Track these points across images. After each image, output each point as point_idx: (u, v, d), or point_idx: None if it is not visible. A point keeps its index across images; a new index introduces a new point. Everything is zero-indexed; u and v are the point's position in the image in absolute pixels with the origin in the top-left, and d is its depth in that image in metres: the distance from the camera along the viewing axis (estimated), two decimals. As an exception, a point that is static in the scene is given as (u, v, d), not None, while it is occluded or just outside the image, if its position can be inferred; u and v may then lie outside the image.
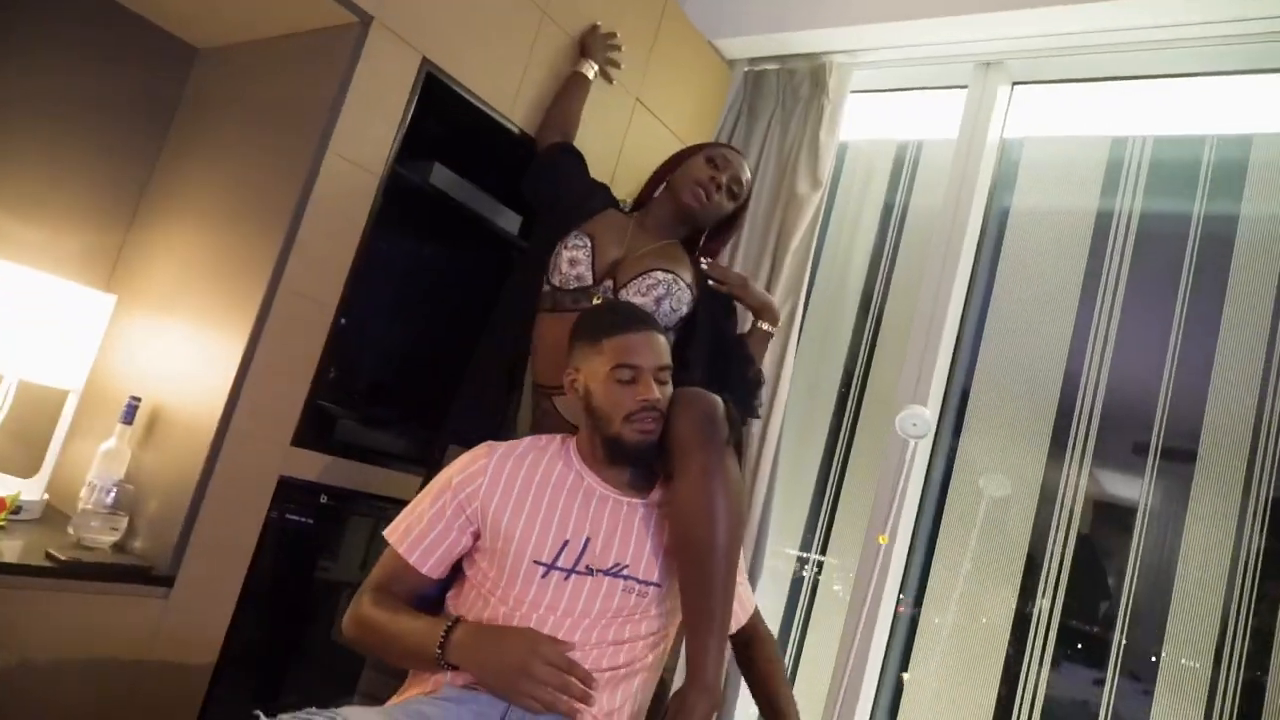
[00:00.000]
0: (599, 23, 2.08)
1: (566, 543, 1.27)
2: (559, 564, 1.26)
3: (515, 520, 1.27)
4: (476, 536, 1.31)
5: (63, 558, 1.38)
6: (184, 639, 1.52)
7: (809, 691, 2.39)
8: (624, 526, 1.30)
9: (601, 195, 1.82)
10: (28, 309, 1.58)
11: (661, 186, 1.79)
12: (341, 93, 1.58)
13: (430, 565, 1.29)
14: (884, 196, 2.69)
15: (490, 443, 1.37)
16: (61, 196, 1.84)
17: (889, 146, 2.73)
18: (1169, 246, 2.20)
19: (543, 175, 1.84)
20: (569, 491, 1.32)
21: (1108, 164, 2.35)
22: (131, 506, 1.58)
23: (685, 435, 1.30)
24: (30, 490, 1.62)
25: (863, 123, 2.72)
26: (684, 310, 1.67)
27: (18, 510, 1.53)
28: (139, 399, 1.62)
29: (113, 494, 1.55)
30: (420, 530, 1.29)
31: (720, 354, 1.71)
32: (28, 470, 1.76)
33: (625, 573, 1.27)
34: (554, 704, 1.11)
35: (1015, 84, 2.45)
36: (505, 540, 1.27)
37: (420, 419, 1.95)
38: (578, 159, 1.89)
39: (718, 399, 1.34)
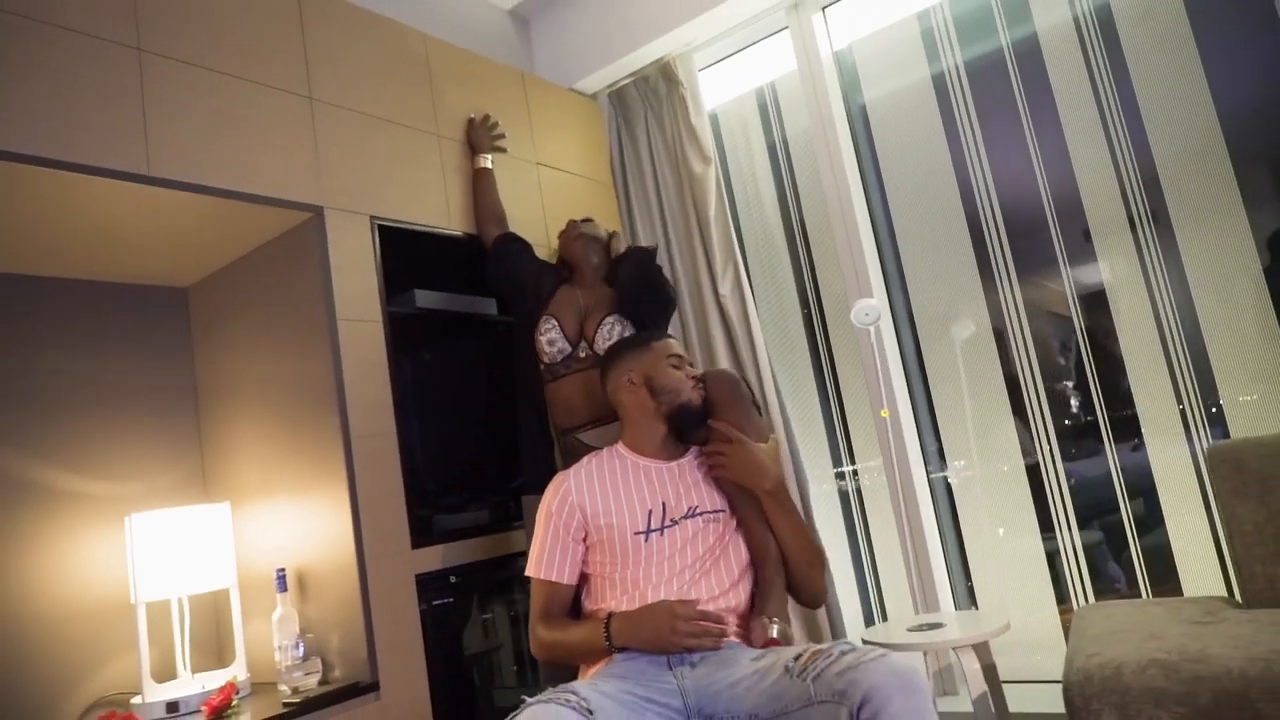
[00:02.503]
0: (471, 115, 2.45)
1: (651, 511, 1.66)
2: (653, 527, 1.65)
3: (608, 511, 1.66)
4: (585, 539, 1.68)
5: (298, 700, 1.75)
6: (407, 719, 1.89)
7: (892, 584, 2.78)
8: (681, 483, 1.71)
9: (550, 275, 2.27)
10: (169, 540, 1.94)
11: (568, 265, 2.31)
12: (327, 271, 1.96)
13: (567, 575, 1.67)
14: (764, 139, 3.09)
15: (561, 473, 1.76)
16: (139, 453, 2.20)
17: (749, 98, 3.13)
18: (998, 80, 2.60)
19: (497, 271, 2.28)
20: (633, 476, 1.71)
21: (922, 34, 2.76)
22: (319, 649, 1.95)
23: (720, 399, 1.78)
24: (228, 678, 1.98)
25: (719, 89, 3.11)
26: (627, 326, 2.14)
27: (239, 692, 1.89)
28: (284, 569, 1.99)
29: (301, 647, 1.91)
30: (548, 554, 1.67)
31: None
32: (224, 662, 2.14)
33: (698, 511, 1.67)
34: (700, 646, 1.49)
35: (824, 8, 2.84)
36: (608, 529, 1.65)
37: (486, 487, 2.33)
38: (521, 246, 2.31)
39: (735, 374, 1.89)
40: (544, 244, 2.53)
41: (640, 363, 1.77)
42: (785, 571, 1.71)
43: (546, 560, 1.67)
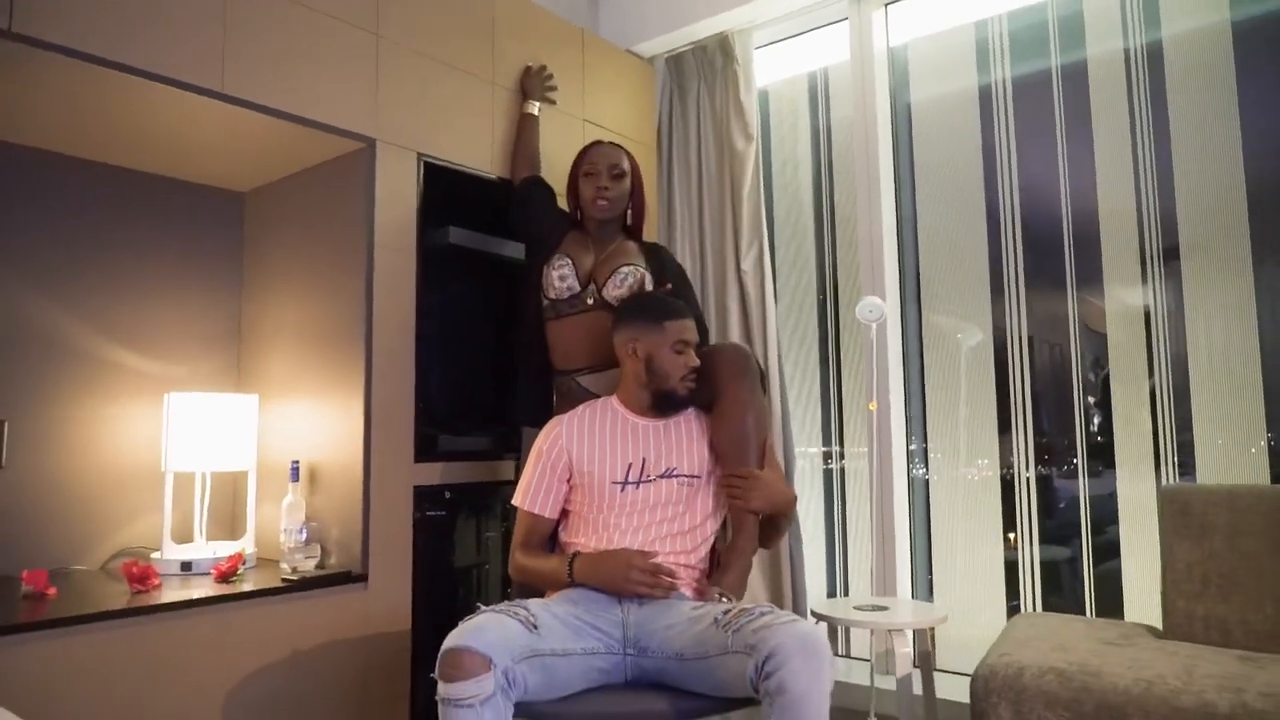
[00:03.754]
0: (529, 64, 2.58)
1: (630, 464, 1.83)
2: (629, 479, 1.81)
3: (592, 459, 1.83)
4: (569, 480, 1.86)
5: (295, 578, 1.98)
6: (384, 615, 2.11)
7: (858, 565, 2.94)
8: (665, 443, 1.86)
9: (563, 220, 2.31)
10: (201, 421, 2.16)
11: (579, 210, 2.26)
12: (370, 201, 2.13)
13: (549, 510, 1.85)
14: (809, 122, 3.17)
15: (557, 416, 1.93)
16: (184, 336, 2.42)
17: (801, 80, 3.20)
18: (1041, 99, 2.66)
19: (520, 211, 2.37)
20: (621, 430, 1.87)
21: (976, 45, 2.81)
22: (319, 537, 2.17)
23: (727, 371, 1.88)
24: (238, 549, 2.21)
25: (774, 67, 3.18)
26: (648, 286, 2.18)
27: (245, 562, 2.12)
28: (298, 461, 2.20)
29: (304, 533, 2.13)
30: (534, 489, 1.85)
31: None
32: (235, 534, 2.38)
33: (675, 472, 1.83)
34: (649, 595, 1.67)
35: (887, 4, 2.90)
36: (589, 475, 1.82)
37: (489, 416, 2.51)
38: (543, 191, 2.41)
39: (748, 348, 1.97)
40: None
41: (647, 337, 1.85)
42: (764, 539, 1.90)
43: (532, 494, 1.85)
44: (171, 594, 1.85)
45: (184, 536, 2.22)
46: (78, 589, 1.92)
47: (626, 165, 2.22)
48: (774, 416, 2.79)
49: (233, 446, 2.20)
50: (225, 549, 2.20)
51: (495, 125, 2.47)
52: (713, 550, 1.88)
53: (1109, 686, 1.58)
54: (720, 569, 1.84)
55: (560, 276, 2.16)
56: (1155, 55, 2.46)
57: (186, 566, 2.08)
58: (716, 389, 1.89)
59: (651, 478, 1.82)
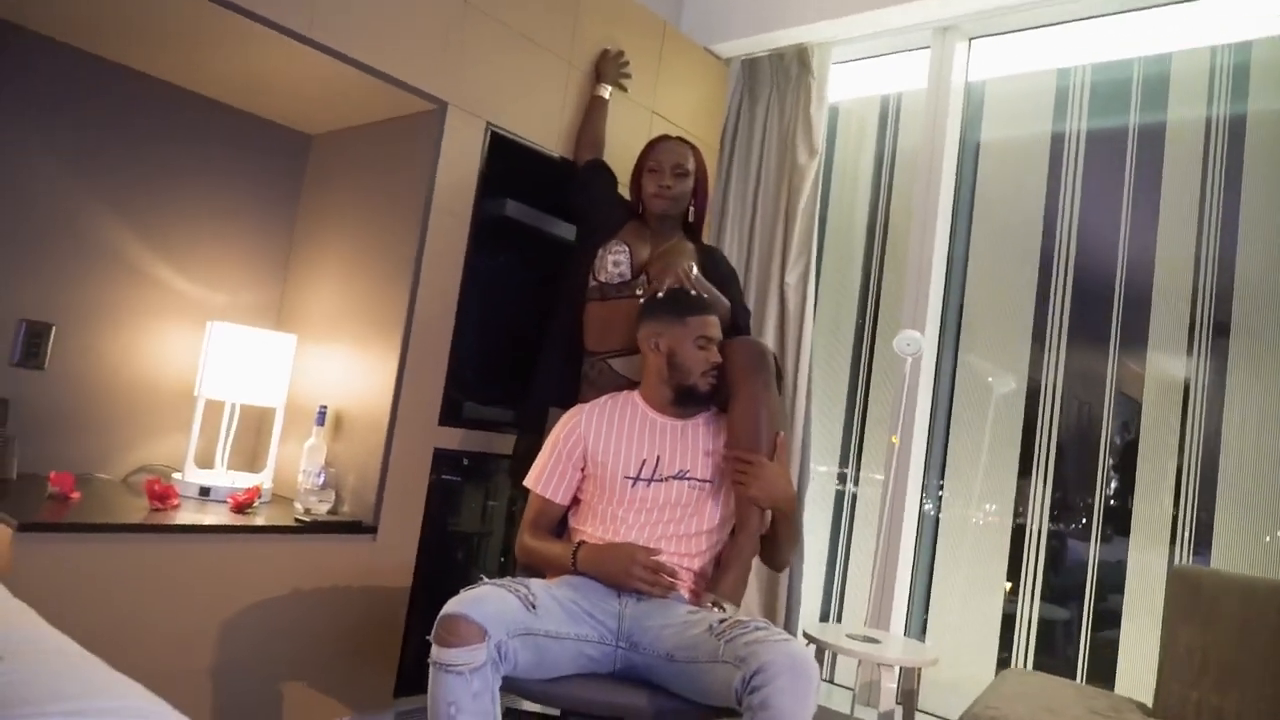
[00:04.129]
0: (608, 47, 2.58)
1: (644, 461, 1.84)
2: (642, 476, 1.83)
3: (607, 452, 1.85)
4: (583, 469, 1.88)
5: (307, 520, 2.02)
6: (388, 569, 2.15)
7: (854, 593, 2.93)
8: (681, 444, 1.86)
9: (623, 210, 2.30)
10: (237, 352, 2.21)
11: (640, 203, 2.25)
12: (434, 163, 2.15)
13: (560, 496, 1.87)
14: (874, 145, 3.15)
15: (579, 405, 1.94)
16: (231, 266, 2.46)
17: (873, 101, 3.18)
18: (1113, 156, 2.63)
19: (581, 191, 2.38)
20: (640, 426, 1.88)
21: (1056, 92, 2.78)
22: (336, 483, 2.21)
23: (742, 367, 1.87)
24: (256, 482, 2.26)
25: (847, 84, 3.16)
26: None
27: (261, 496, 2.16)
28: (326, 406, 2.24)
29: (323, 476, 2.17)
30: (548, 474, 1.87)
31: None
32: (254, 468, 2.43)
33: (687, 475, 1.83)
34: (649, 591, 1.68)
35: (971, 39, 2.87)
36: (602, 467, 1.84)
37: (515, 390, 2.54)
38: (608, 176, 2.42)
39: (765, 344, 1.93)
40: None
41: (670, 332, 1.86)
42: (765, 551, 1.88)
43: (545, 479, 1.87)
44: (188, 516, 1.90)
45: (205, 462, 2.27)
46: (99, 497, 1.98)
47: (691, 165, 2.20)
48: (795, 432, 2.79)
49: (266, 382, 2.25)
50: (244, 480, 2.25)
51: (566, 105, 2.48)
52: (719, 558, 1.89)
53: (1091, 755, 1.57)
54: (719, 570, 1.84)
55: (615, 262, 2.15)
56: (1237, 129, 2.42)
57: (205, 491, 2.13)
58: (731, 383, 1.87)
59: (664, 477, 1.83)
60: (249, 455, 2.49)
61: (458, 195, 2.21)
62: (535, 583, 1.62)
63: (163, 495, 1.92)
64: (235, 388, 2.21)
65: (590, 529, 1.83)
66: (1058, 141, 2.73)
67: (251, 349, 2.23)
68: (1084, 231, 2.66)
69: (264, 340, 2.26)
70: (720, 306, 2.01)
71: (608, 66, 2.57)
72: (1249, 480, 2.29)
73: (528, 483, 1.91)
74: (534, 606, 1.53)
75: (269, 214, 2.53)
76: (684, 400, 1.88)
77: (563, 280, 2.28)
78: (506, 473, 2.42)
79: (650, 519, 1.80)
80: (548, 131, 2.44)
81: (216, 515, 1.97)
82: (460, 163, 2.22)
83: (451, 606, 1.45)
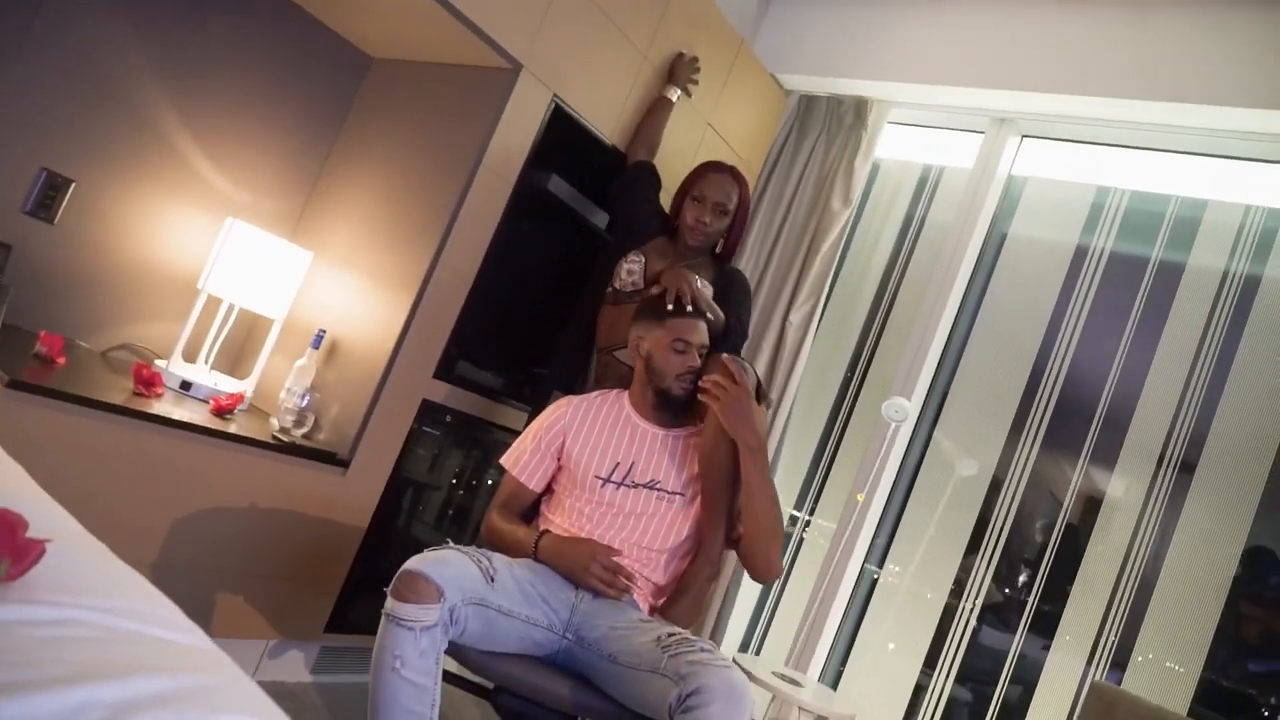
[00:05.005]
0: (684, 51, 2.59)
1: (618, 464, 1.86)
2: (613, 478, 1.84)
3: (584, 449, 1.86)
4: (559, 459, 1.89)
5: (286, 440, 2.00)
6: (352, 505, 2.14)
7: (779, 631, 3.00)
8: (658, 454, 1.88)
9: (656, 222, 2.33)
10: (251, 255, 2.17)
11: (676, 222, 2.27)
12: (494, 123, 2.14)
13: (534, 482, 1.89)
14: (905, 210, 3.21)
15: (567, 398, 1.95)
16: (261, 168, 2.42)
17: (915, 168, 3.24)
18: (1129, 282, 2.72)
19: (623, 190, 2.39)
20: (620, 428, 1.90)
21: (1091, 207, 2.86)
22: (317, 409, 2.19)
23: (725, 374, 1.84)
24: (240, 389, 2.23)
25: (894, 145, 3.22)
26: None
27: (241, 404, 2.13)
28: (324, 330, 2.22)
29: (307, 398, 2.15)
30: (525, 459, 1.89)
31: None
32: (236, 372, 2.39)
33: (658, 486, 1.85)
34: (605, 591, 1.70)
35: (1024, 136, 2.94)
36: (576, 462, 1.85)
37: (514, 364, 2.54)
38: (652, 180, 2.43)
39: (747, 364, 1.90)
40: (672, 189, 2.68)
41: (650, 334, 1.87)
42: (743, 541, 1.82)
43: (523, 463, 1.89)
44: (169, 408, 1.87)
45: (189, 356, 2.23)
46: (82, 367, 1.94)
47: (734, 203, 2.23)
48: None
49: (273, 292, 2.21)
50: (225, 383, 2.22)
51: (631, 96, 2.49)
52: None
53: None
54: (675, 594, 1.85)
55: (629, 270, 2.23)
56: (1250, 288, 2.52)
57: (186, 386, 2.09)
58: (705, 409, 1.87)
59: (634, 484, 1.84)
60: (231, 359, 2.45)
61: (508, 159, 2.21)
62: (498, 558, 1.63)
63: (149, 381, 1.88)
64: (241, 290, 2.17)
65: (557, 519, 1.85)
66: (1080, 254, 2.82)
67: (266, 256, 2.20)
68: (1083, 344, 2.75)
69: (281, 250, 2.23)
70: (713, 316, 1.97)
71: (682, 70, 2.57)
72: (1178, 614, 2.39)
73: (505, 462, 1.92)
74: (493, 580, 1.55)
75: (312, 126, 2.49)
76: (663, 405, 1.89)
77: (589, 278, 2.33)
78: (497, 443, 2.43)
79: (615, 522, 1.82)
80: (608, 118, 2.44)
81: (195, 413, 1.94)
82: (519, 128, 2.21)
83: (413, 564, 1.47)
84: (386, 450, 2.18)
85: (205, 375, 2.19)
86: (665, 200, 2.42)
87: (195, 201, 2.30)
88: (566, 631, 1.68)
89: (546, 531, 1.79)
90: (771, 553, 1.81)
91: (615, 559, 1.73)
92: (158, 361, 2.15)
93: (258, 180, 2.42)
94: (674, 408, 1.89)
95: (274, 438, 2.01)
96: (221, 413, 1.99)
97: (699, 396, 1.82)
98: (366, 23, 2.33)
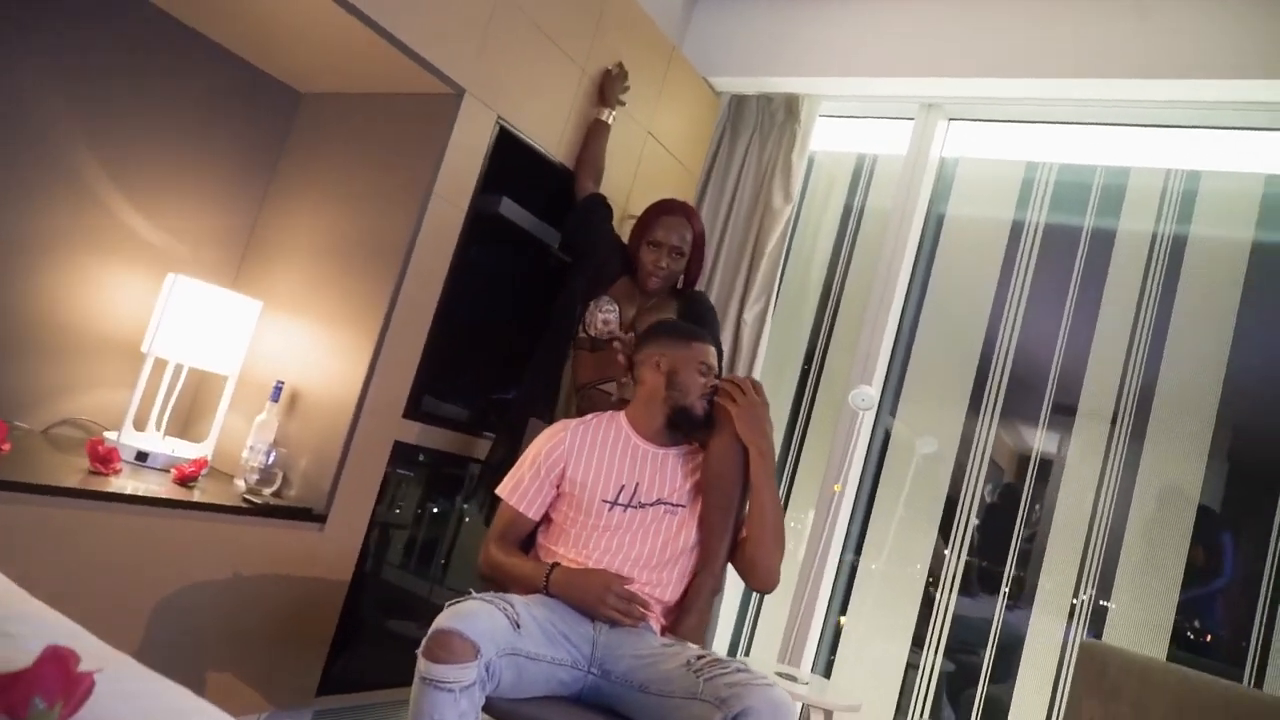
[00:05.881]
0: (610, 67, 2.56)
1: (624, 486, 1.83)
2: (620, 501, 1.82)
3: (588, 473, 1.83)
4: (558, 486, 1.85)
5: (258, 502, 1.90)
6: (332, 560, 2.05)
7: (766, 628, 3.02)
8: (661, 472, 1.87)
9: (616, 259, 2.37)
10: (196, 311, 2.06)
11: (635, 262, 2.33)
12: (442, 149, 2.08)
13: (534, 510, 1.84)
14: (844, 200, 3.26)
15: (564, 421, 1.92)
16: (196, 218, 2.30)
17: (849, 158, 3.29)
18: (1065, 251, 2.82)
19: (581, 225, 2.40)
20: (622, 450, 1.87)
21: (1022, 183, 2.95)
22: (284, 464, 2.09)
23: (723, 411, 1.88)
24: (201, 454, 2.11)
25: (828, 137, 3.26)
26: None
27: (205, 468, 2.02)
28: (282, 382, 2.12)
29: (272, 455, 2.05)
30: (524, 487, 1.84)
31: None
32: (189, 435, 2.27)
33: (664, 502, 1.83)
34: (621, 621, 1.67)
35: (951, 120, 3.02)
36: (581, 487, 1.82)
37: (479, 393, 2.48)
38: (606, 213, 2.44)
39: (754, 380, 1.96)
40: (621, 207, 2.66)
41: (674, 353, 1.89)
42: (746, 547, 1.83)
43: (521, 492, 1.84)
44: (131, 484, 1.76)
45: (138, 424, 2.10)
46: (27, 450, 1.80)
47: (689, 244, 2.31)
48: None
49: (224, 347, 2.11)
50: (183, 449, 2.10)
51: (573, 112, 2.45)
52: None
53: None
54: (681, 611, 1.84)
55: (605, 320, 2.26)
56: (1179, 247, 2.64)
57: (142, 457, 1.97)
58: (720, 419, 1.89)
59: (642, 504, 1.83)
60: (184, 421, 2.32)
61: (459, 186, 2.15)
62: (517, 600, 1.58)
63: (105, 458, 1.76)
64: (189, 349, 2.06)
65: (563, 550, 1.81)
66: (1017, 228, 2.91)
67: (213, 310, 2.08)
68: (1029, 315, 2.84)
69: (228, 301, 2.12)
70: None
71: (611, 88, 2.55)
72: (1147, 565, 2.49)
73: (501, 492, 1.87)
74: (519, 626, 1.50)
75: (244, 169, 2.38)
76: (677, 422, 1.88)
77: (556, 309, 2.33)
78: (476, 477, 2.37)
79: (623, 545, 1.79)
80: (553, 135, 2.40)
81: (158, 485, 1.83)
82: (467, 153, 2.15)
83: (445, 621, 1.41)
84: (362, 499, 2.09)
85: (160, 443, 2.07)
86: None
87: (131, 260, 2.17)
88: (591, 667, 1.64)
89: (557, 564, 1.75)
90: (774, 560, 1.82)
91: (628, 587, 1.70)
92: (107, 434, 2.02)
93: (194, 231, 2.30)
94: (688, 425, 1.89)
95: (244, 500, 1.91)
96: (185, 481, 1.88)
97: (715, 398, 1.87)
98: (294, 57, 2.23)
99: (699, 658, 1.56)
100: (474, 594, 1.53)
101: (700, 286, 3.06)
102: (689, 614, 1.83)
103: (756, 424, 1.83)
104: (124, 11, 2.07)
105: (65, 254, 2.06)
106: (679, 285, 2.39)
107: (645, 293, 2.32)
